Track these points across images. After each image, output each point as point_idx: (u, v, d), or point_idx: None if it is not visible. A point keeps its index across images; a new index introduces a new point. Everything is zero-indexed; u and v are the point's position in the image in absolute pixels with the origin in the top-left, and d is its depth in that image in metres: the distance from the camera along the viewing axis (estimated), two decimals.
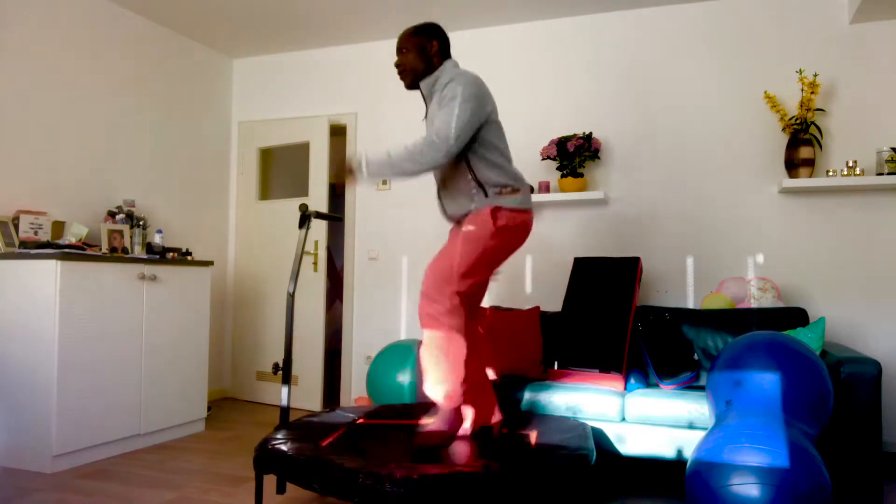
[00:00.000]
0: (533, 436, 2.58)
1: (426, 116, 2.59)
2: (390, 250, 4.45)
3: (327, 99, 4.68)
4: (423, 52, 2.54)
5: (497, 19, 4.16)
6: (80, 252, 3.16)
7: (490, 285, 4.14)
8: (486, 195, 2.46)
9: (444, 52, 2.58)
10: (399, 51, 2.58)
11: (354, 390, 4.49)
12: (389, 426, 2.68)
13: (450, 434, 2.40)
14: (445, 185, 2.57)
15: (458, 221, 2.58)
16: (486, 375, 2.67)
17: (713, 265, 3.72)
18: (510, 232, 2.46)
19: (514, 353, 3.31)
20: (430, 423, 2.42)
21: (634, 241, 3.88)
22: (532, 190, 3.95)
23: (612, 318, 3.19)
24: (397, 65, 2.59)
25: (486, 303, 4.17)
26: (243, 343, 4.80)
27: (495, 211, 2.43)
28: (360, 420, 2.75)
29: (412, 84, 2.61)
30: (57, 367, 2.95)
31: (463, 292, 2.38)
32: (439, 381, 2.38)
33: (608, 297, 3.28)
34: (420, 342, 2.47)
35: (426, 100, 2.60)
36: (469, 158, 2.46)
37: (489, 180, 2.46)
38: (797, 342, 2.38)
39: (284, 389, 2.69)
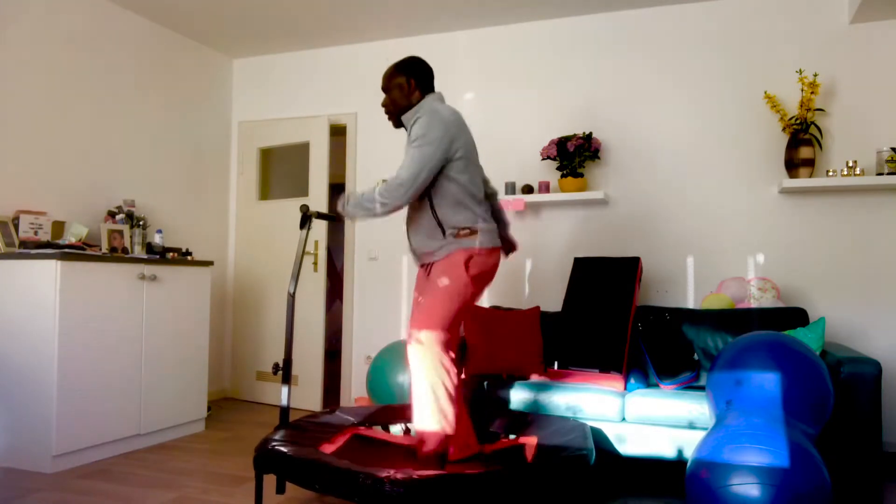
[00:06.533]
0: (532, 436, 2.58)
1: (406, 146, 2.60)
2: (390, 250, 4.45)
3: (327, 99, 4.68)
4: (402, 92, 2.57)
5: (497, 19, 4.16)
6: (80, 252, 3.16)
7: (490, 286, 4.15)
8: (444, 235, 2.48)
9: (424, 86, 2.59)
10: (384, 90, 2.63)
11: (354, 390, 4.49)
12: (386, 443, 2.69)
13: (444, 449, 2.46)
14: (410, 217, 2.62)
15: (422, 261, 2.61)
16: (463, 406, 2.65)
17: (713, 265, 3.72)
18: (482, 276, 2.52)
19: (514, 353, 3.31)
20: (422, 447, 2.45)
21: (634, 241, 3.88)
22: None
23: (612, 318, 3.19)
24: (383, 105, 2.63)
25: (486, 303, 4.17)
26: (243, 343, 4.80)
27: (468, 260, 2.46)
28: (362, 430, 2.76)
29: (398, 124, 2.64)
30: (57, 367, 2.95)
31: (448, 339, 2.45)
32: (436, 421, 2.42)
33: (608, 298, 3.28)
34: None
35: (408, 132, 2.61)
36: (431, 194, 2.49)
37: (447, 219, 2.48)
38: (797, 342, 2.38)
39: (284, 389, 2.68)
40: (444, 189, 2.47)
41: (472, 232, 2.49)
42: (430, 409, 2.41)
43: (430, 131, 2.39)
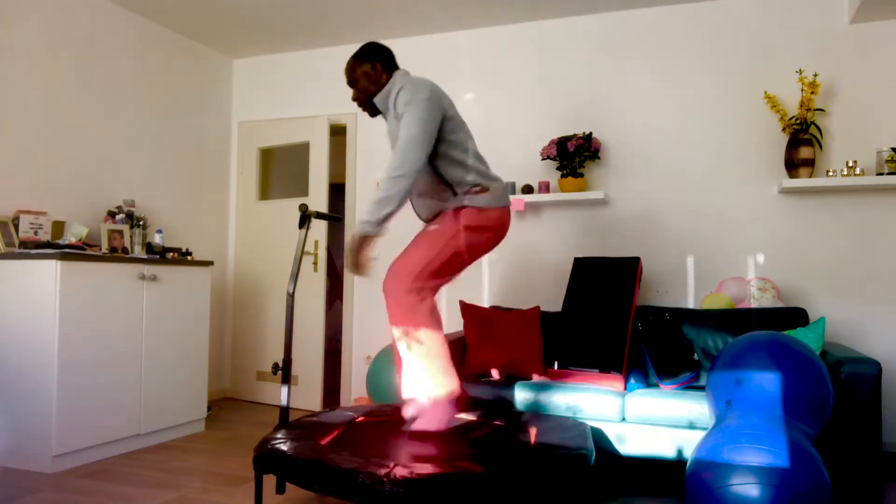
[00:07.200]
0: (533, 436, 2.58)
1: (388, 131, 2.59)
2: (390, 250, 4.45)
3: (327, 99, 4.68)
4: (370, 79, 2.55)
5: (497, 19, 4.16)
6: (80, 252, 3.16)
7: (490, 286, 4.16)
8: (455, 194, 2.47)
9: (389, 67, 2.57)
10: (350, 84, 2.60)
11: (354, 390, 4.49)
12: (388, 422, 2.67)
13: (445, 430, 2.41)
14: (415, 189, 2.57)
15: (429, 221, 2.60)
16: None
17: (713, 265, 3.72)
18: (479, 231, 2.46)
19: (514, 353, 3.31)
20: (418, 419, 2.41)
21: (634, 241, 3.88)
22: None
23: (612, 318, 3.19)
24: (354, 100, 2.61)
25: (486, 303, 4.17)
26: (243, 343, 4.80)
27: (458, 210, 2.45)
28: (360, 418, 2.75)
29: (373, 112, 2.62)
30: (57, 367, 2.95)
31: (426, 288, 2.40)
32: (433, 378, 2.38)
33: (608, 298, 3.28)
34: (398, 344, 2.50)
35: (384, 115, 2.59)
36: (432, 158, 2.45)
37: (456, 178, 2.46)
38: (797, 342, 2.38)
39: (284, 389, 2.69)
40: (443, 150, 2.44)
41: (484, 189, 2.48)
42: (428, 369, 2.36)
43: (416, 94, 2.37)
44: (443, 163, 2.45)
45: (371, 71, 2.54)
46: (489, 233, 2.50)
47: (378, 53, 2.56)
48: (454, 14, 4.09)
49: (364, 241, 2.30)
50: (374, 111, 2.62)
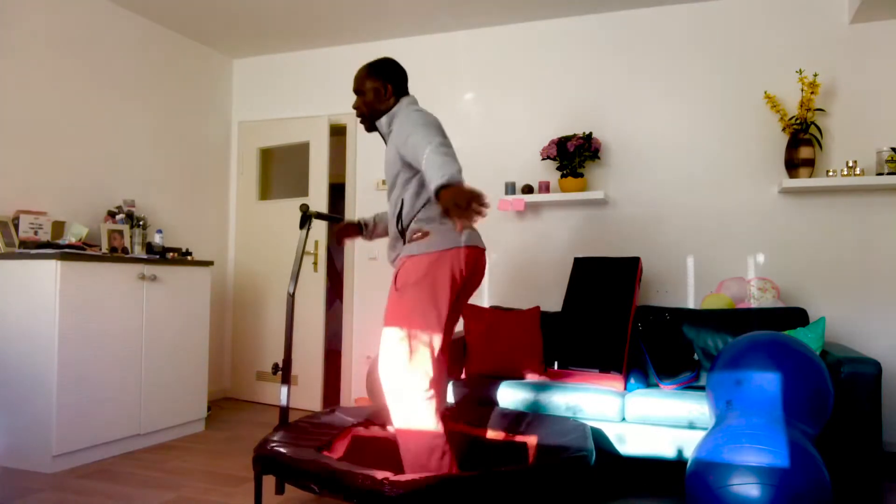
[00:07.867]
0: (532, 436, 2.58)
1: (385, 159, 2.44)
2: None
3: (327, 99, 4.68)
4: (377, 95, 2.42)
5: (497, 19, 4.16)
6: (80, 252, 3.16)
7: (490, 286, 4.16)
8: (405, 241, 2.34)
9: (400, 90, 2.45)
10: (356, 92, 2.48)
11: (354, 390, 4.49)
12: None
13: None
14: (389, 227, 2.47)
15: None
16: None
17: (713, 265, 3.72)
18: (442, 278, 2.23)
19: (514, 353, 3.31)
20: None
21: (634, 241, 3.87)
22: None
23: (612, 318, 3.19)
24: (355, 107, 2.49)
25: (486, 303, 4.17)
26: (243, 343, 4.80)
27: (407, 260, 2.28)
28: (361, 431, 2.75)
29: (371, 127, 2.50)
30: (57, 367, 2.95)
31: (427, 378, 2.22)
32: (429, 462, 2.20)
33: (608, 297, 3.28)
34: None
35: (384, 138, 2.48)
36: (403, 197, 2.34)
37: (409, 217, 2.32)
38: (797, 342, 2.38)
39: (284, 389, 2.69)
40: (415, 189, 2.33)
41: (424, 234, 2.30)
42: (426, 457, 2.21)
43: (421, 118, 2.25)
44: (409, 200, 2.32)
45: (381, 89, 2.42)
46: (463, 273, 2.26)
47: (393, 74, 2.44)
48: (454, 14, 4.09)
49: (462, 186, 1.92)
50: (371, 127, 2.51)
